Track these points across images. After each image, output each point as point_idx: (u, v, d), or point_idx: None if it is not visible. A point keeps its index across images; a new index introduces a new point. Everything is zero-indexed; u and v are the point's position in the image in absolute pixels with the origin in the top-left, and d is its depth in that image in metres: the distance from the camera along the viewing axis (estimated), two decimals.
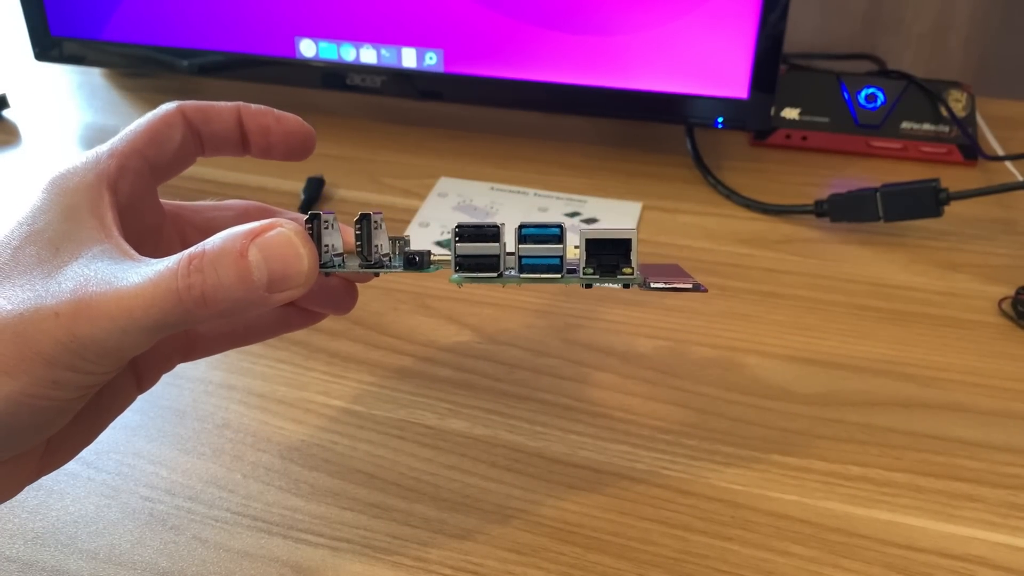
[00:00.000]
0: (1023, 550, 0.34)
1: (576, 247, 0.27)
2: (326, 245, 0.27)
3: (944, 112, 0.61)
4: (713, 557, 0.33)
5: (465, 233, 0.27)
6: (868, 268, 0.51)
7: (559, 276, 0.28)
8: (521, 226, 0.27)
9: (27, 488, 0.36)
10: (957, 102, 0.62)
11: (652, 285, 0.28)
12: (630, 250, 0.27)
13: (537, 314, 0.47)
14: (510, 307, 0.47)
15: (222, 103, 0.31)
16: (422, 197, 0.58)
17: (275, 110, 0.32)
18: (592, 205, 0.57)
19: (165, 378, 0.42)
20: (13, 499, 0.35)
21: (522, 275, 0.28)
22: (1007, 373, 0.43)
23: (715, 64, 0.56)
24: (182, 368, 0.42)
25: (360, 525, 0.35)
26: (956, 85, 0.63)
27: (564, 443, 0.39)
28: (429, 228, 0.55)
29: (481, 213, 0.56)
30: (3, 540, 0.34)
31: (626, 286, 0.28)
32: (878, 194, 0.52)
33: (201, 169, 0.60)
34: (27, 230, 0.26)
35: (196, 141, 0.31)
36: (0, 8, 0.81)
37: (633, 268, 0.27)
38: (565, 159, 0.63)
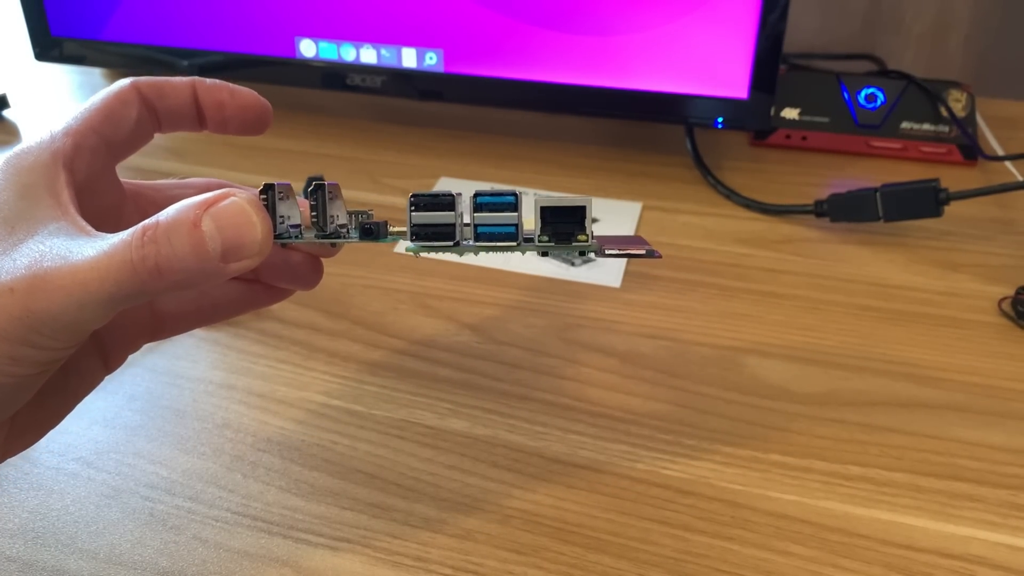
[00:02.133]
0: (1023, 550, 0.34)
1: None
2: (281, 216, 0.27)
3: (944, 112, 0.61)
4: (713, 557, 0.33)
5: (420, 202, 0.27)
6: (868, 268, 0.51)
7: (515, 244, 0.28)
8: (476, 194, 0.27)
9: (27, 488, 0.36)
10: (957, 102, 0.62)
11: (607, 252, 0.28)
12: (585, 217, 0.27)
13: (537, 314, 0.47)
14: (510, 307, 0.47)
15: (177, 78, 0.31)
16: None
17: (231, 84, 0.32)
18: (592, 205, 0.57)
19: (165, 378, 0.42)
20: (13, 499, 0.35)
21: (478, 243, 0.28)
22: (1007, 373, 0.43)
23: (715, 64, 0.56)
24: (182, 368, 0.43)
25: (360, 525, 0.35)
26: (956, 85, 0.63)
27: (564, 443, 0.39)
28: None
29: None
30: (3, 540, 0.34)
31: (582, 253, 0.28)
32: (878, 194, 0.52)
33: (200, 168, 0.60)
34: None
35: (152, 117, 0.31)
36: (0, 8, 0.81)
37: (588, 235, 0.28)
38: (565, 159, 0.63)
